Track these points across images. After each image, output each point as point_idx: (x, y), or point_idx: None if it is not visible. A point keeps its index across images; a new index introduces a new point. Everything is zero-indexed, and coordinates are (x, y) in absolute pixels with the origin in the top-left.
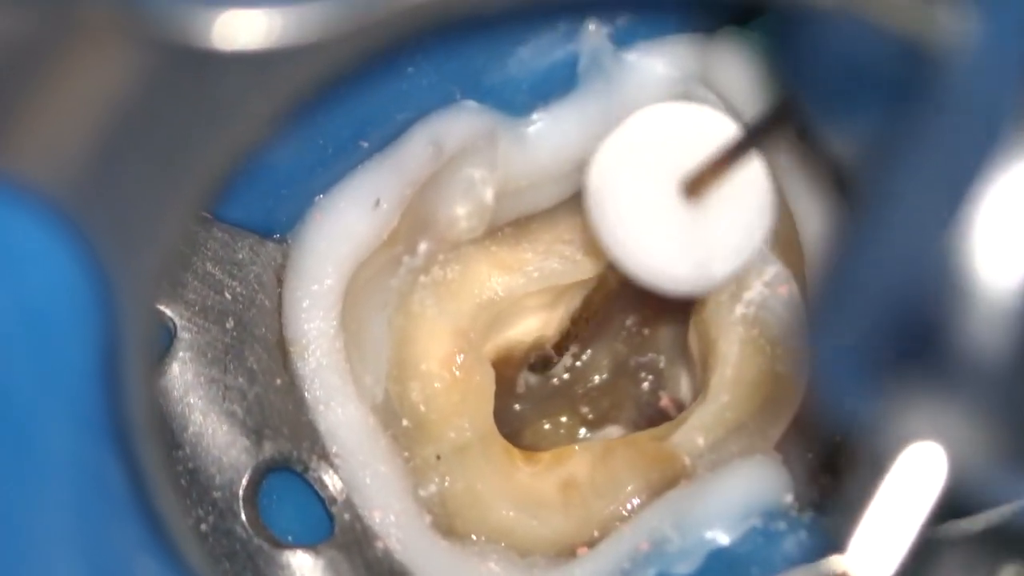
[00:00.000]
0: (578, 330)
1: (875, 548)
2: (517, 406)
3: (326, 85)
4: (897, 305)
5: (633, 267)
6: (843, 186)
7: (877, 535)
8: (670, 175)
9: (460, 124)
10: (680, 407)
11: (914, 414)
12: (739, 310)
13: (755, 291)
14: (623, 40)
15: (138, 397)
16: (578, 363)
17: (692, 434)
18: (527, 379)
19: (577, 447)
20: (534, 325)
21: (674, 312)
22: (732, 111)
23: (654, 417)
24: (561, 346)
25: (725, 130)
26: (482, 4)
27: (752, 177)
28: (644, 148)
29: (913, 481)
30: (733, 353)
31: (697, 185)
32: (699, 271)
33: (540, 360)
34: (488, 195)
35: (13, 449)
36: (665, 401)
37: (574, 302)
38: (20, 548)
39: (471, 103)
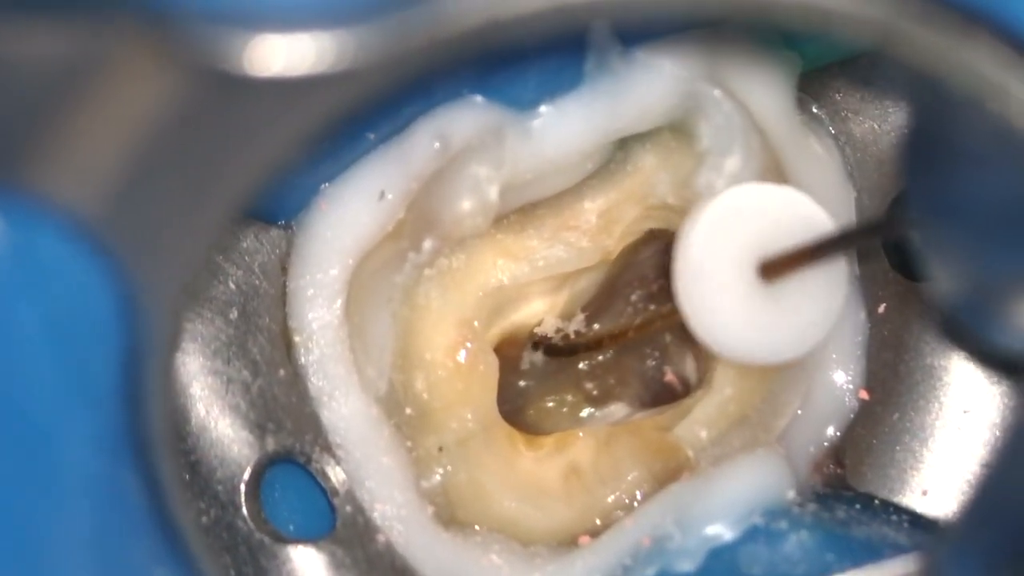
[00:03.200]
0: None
1: None
2: (521, 383)
3: (357, 109)
4: None
5: (713, 344)
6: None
7: None
8: (751, 255)
9: (466, 120)
10: (685, 383)
11: None
12: None
13: None
14: (630, 38)
15: (158, 410)
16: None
17: (695, 427)
18: (531, 357)
19: (581, 433)
20: (539, 308)
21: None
22: (740, 107)
23: (659, 393)
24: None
25: (811, 216)
26: (516, 34)
27: (829, 271)
28: (731, 227)
29: None
30: None
31: (773, 271)
32: (770, 354)
33: (545, 343)
34: (493, 193)
35: (35, 462)
36: (670, 377)
37: (579, 285)
38: (38, 560)
39: (478, 98)
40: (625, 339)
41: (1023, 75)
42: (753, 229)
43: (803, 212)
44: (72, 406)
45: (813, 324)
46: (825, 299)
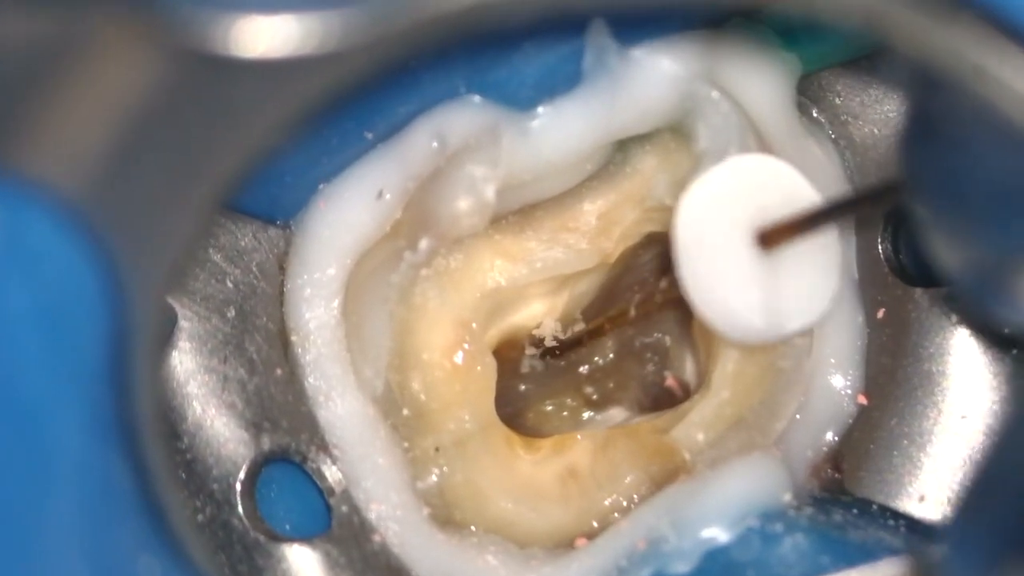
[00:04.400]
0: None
1: None
2: (522, 386)
3: (342, 92)
4: None
5: (712, 316)
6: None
7: None
8: (747, 227)
9: (464, 119)
10: (685, 387)
11: None
12: None
13: None
14: (628, 37)
15: (145, 395)
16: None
17: (692, 429)
18: (531, 360)
19: (579, 436)
20: (538, 311)
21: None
22: (739, 108)
23: (659, 397)
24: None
25: (800, 186)
26: (502, 17)
27: (825, 240)
28: (725, 199)
29: None
30: (735, 348)
31: (771, 239)
32: (772, 325)
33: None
34: (490, 193)
35: (22, 445)
36: (671, 381)
37: (578, 288)
38: (26, 544)
39: (475, 98)
40: (626, 320)
41: (1006, 57)
42: (748, 199)
43: (793, 185)
44: (60, 389)
45: (812, 296)
46: (823, 271)
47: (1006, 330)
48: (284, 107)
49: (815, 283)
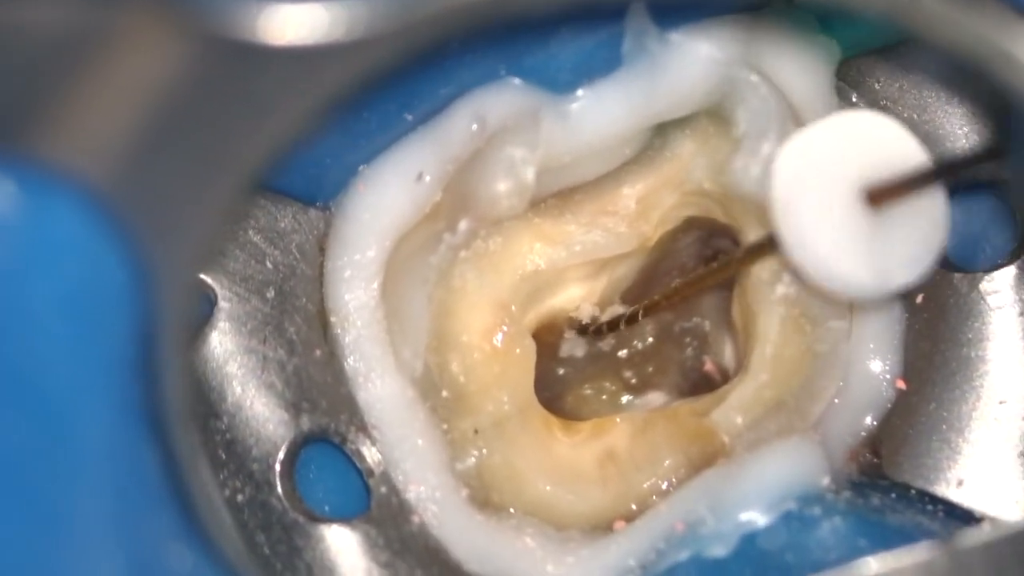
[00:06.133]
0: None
1: None
2: (560, 370)
3: (371, 79)
4: None
5: (817, 273)
6: None
7: None
8: (850, 183)
9: (503, 101)
10: (724, 373)
11: None
12: (780, 289)
13: None
14: (668, 20)
15: (174, 383)
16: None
17: (731, 412)
18: (572, 344)
19: (618, 418)
20: (577, 294)
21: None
22: (778, 92)
23: (698, 382)
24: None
25: (903, 142)
26: (529, 3)
27: (931, 196)
28: (825, 156)
29: None
30: (773, 331)
31: (881, 197)
32: (879, 281)
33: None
34: (529, 175)
35: (51, 435)
36: (709, 366)
37: (617, 272)
38: (58, 533)
39: (515, 80)
40: (684, 294)
41: None
42: (850, 155)
43: (899, 142)
44: (88, 378)
45: (919, 250)
46: (930, 224)
47: None
48: (312, 95)
49: (922, 237)
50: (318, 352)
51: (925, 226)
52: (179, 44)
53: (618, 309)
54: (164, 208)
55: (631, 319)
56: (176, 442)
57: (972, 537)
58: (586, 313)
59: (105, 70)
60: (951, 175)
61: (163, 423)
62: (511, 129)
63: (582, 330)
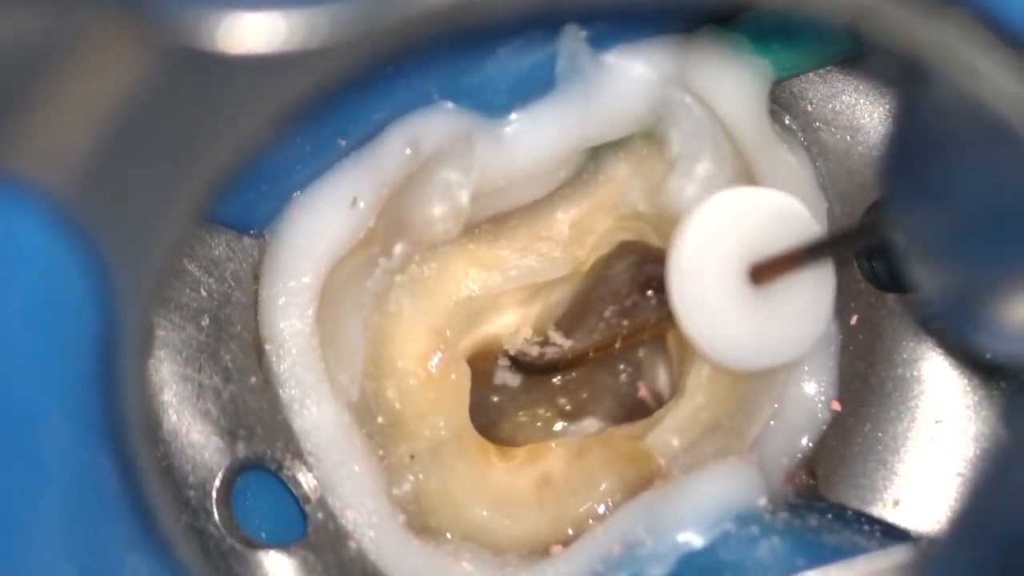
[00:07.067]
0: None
1: None
2: (495, 398)
3: (329, 89)
4: None
5: (702, 343)
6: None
7: None
8: (742, 259)
9: (437, 125)
10: (658, 398)
11: None
12: None
13: None
14: (601, 42)
15: (133, 395)
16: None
17: (667, 435)
18: (504, 372)
19: (553, 444)
20: (512, 320)
21: (653, 304)
22: (712, 114)
23: (633, 408)
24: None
25: (797, 218)
26: (489, 12)
27: (817, 274)
28: (724, 231)
29: None
30: None
31: (762, 274)
32: (761, 356)
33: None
34: (464, 198)
35: (8, 446)
36: (644, 392)
37: (551, 298)
38: (12, 543)
39: (448, 104)
40: (611, 352)
41: (995, 54)
42: (743, 232)
43: (791, 215)
44: (48, 389)
45: (803, 328)
46: (814, 302)
47: (987, 356)
48: (272, 103)
49: (806, 313)
50: (253, 379)
51: (809, 302)
52: (139, 54)
53: (554, 336)
54: (126, 218)
55: (556, 365)
56: (134, 454)
57: (907, 554)
58: (521, 340)
59: (66, 80)
60: (826, 253)
61: (122, 435)
62: (445, 153)
63: (517, 364)
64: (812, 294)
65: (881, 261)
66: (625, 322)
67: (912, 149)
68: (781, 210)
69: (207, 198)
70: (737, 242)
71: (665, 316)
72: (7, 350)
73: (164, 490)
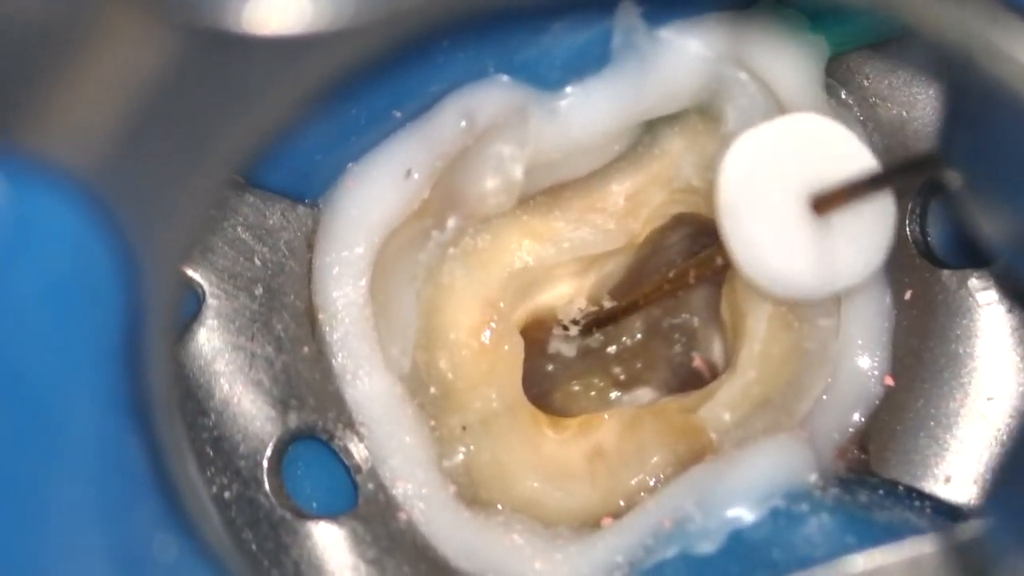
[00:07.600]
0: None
1: None
2: (549, 367)
3: (357, 69)
4: None
5: (761, 277)
6: None
7: None
8: (795, 188)
9: (492, 99)
10: (713, 368)
11: None
12: None
13: None
14: (657, 18)
15: (160, 373)
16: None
17: (718, 409)
18: (558, 341)
19: (607, 415)
20: (565, 291)
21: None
22: (767, 89)
23: (687, 378)
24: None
25: (850, 145)
26: None
27: (879, 203)
28: (771, 160)
29: None
30: (761, 329)
31: (826, 204)
32: (822, 286)
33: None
34: (517, 172)
35: (35, 425)
36: (698, 362)
37: (605, 269)
38: (41, 522)
39: (504, 77)
40: (661, 294)
41: (1014, 33)
42: (796, 158)
43: (846, 148)
44: (73, 368)
45: (864, 253)
46: (875, 228)
47: None
48: (297, 85)
49: (867, 241)
50: (306, 349)
51: (870, 229)
52: (164, 34)
53: (606, 306)
54: (150, 197)
55: (612, 316)
56: (161, 433)
57: (959, 534)
58: (575, 310)
59: (90, 60)
60: (891, 183)
61: (148, 413)
62: (500, 126)
63: (567, 327)
64: (872, 220)
65: (936, 235)
66: (680, 292)
67: (968, 99)
68: (837, 141)
69: (232, 178)
70: (789, 168)
71: (714, 254)
72: (34, 329)
73: (203, 464)
